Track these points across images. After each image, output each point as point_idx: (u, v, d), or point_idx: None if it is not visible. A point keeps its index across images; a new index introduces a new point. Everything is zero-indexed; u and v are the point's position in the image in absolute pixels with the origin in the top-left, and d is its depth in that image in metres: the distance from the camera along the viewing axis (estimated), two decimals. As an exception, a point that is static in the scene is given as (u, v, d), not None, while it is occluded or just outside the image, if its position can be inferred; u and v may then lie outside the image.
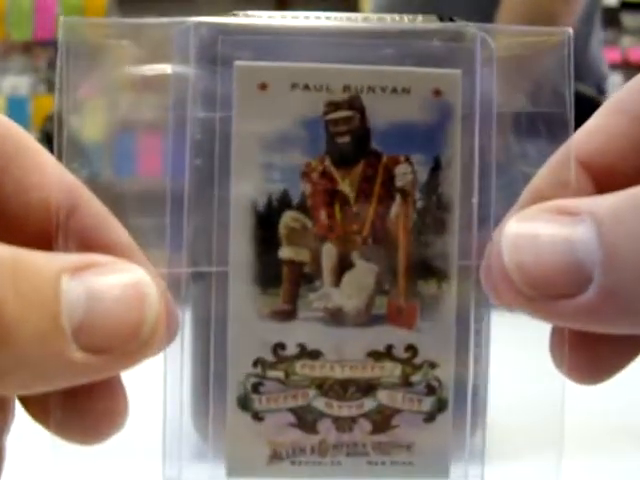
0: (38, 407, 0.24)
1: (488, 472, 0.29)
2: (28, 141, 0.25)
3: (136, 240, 0.26)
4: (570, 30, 0.27)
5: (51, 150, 0.26)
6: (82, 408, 0.23)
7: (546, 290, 0.21)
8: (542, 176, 0.26)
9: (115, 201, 0.26)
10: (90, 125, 0.28)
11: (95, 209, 0.25)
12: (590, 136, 0.26)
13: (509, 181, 0.28)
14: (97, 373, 0.20)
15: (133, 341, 0.20)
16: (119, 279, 0.20)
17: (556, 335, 0.25)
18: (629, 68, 2.84)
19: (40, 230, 0.24)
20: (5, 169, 0.23)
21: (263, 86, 0.28)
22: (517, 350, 0.29)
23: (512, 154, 0.29)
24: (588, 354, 0.24)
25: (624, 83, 0.27)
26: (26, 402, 0.24)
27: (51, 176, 0.24)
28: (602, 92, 1.06)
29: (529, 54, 0.28)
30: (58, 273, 0.20)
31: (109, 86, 0.28)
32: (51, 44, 2.55)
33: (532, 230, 0.22)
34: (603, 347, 0.24)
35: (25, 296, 0.19)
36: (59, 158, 0.26)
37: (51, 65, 2.68)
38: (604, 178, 0.25)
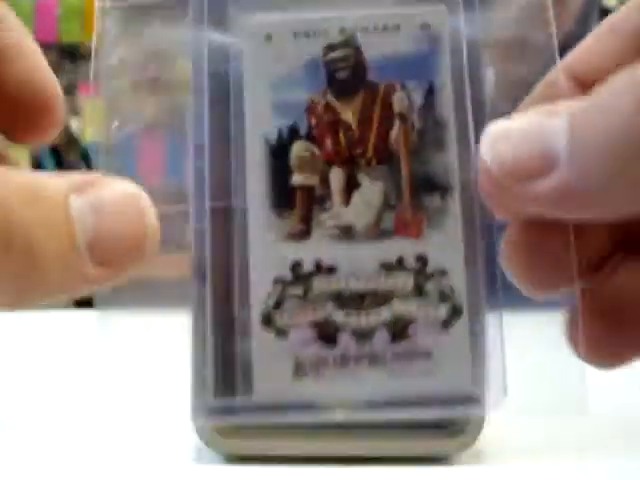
0: None
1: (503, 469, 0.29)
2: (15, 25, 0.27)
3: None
4: None
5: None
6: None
7: (518, 172, 0.22)
8: (532, 95, 0.28)
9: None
10: (90, 125, 0.31)
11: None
12: (583, 55, 0.27)
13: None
14: (107, 283, 0.22)
15: (137, 253, 0.22)
16: (119, 188, 0.22)
17: (570, 316, 0.25)
18: None
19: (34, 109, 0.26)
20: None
21: (268, 37, 0.31)
22: (536, 350, 0.29)
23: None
24: (604, 331, 0.24)
25: None
26: None
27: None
28: None
29: None
30: (66, 193, 0.21)
31: (110, 86, 0.31)
32: (52, 46, 2.66)
33: (508, 124, 0.23)
34: (619, 323, 0.24)
35: (45, 221, 0.21)
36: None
37: (51, 67, 2.75)
38: None
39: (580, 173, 0.21)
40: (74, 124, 2.49)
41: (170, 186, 0.31)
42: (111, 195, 0.22)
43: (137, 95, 0.31)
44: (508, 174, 0.22)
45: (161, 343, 0.29)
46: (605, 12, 1.17)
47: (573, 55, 0.27)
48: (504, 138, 0.23)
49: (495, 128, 0.23)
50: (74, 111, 2.80)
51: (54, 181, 0.22)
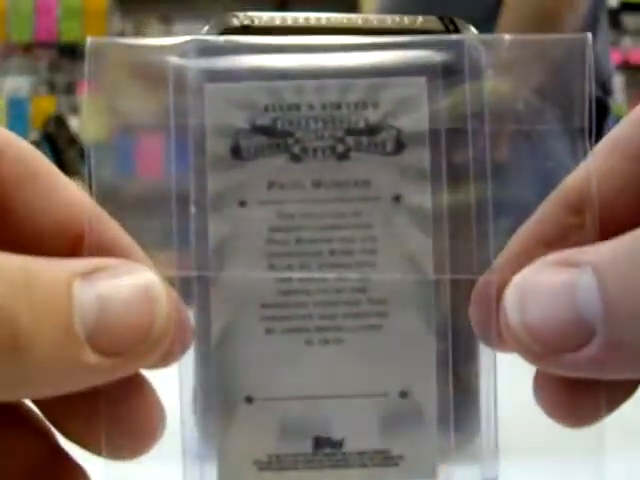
0: (80, 434, 0.24)
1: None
2: (40, 162, 0.24)
3: (137, 242, 0.25)
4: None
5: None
6: (126, 421, 0.23)
7: (551, 346, 0.21)
8: (539, 221, 0.25)
9: (115, 202, 0.26)
10: (90, 125, 0.28)
11: (112, 224, 0.25)
12: (580, 179, 0.24)
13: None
14: (111, 375, 0.21)
15: (144, 342, 0.21)
16: (128, 281, 0.21)
17: (538, 378, 0.24)
18: (630, 69, 2.80)
19: (54, 252, 0.23)
20: (17, 192, 0.24)
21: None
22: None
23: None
24: (569, 398, 0.24)
25: (625, 84, 0.25)
26: (67, 431, 0.24)
27: (65, 197, 0.24)
28: (607, 92, 1.02)
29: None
30: (69, 279, 0.20)
31: (110, 86, 0.28)
32: (51, 45, 2.58)
33: (535, 286, 0.22)
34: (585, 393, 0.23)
35: (38, 306, 0.20)
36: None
37: (51, 66, 2.70)
38: (603, 218, 0.24)
39: (618, 347, 0.21)
40: (74, 123, 2.36)
41: (169, 186, 0.29)
42: (118, 286, 0.21)
43: (137, 94, 0.28)
44: (539, 345, 0.22)
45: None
46: (607, 12, 1.10)
47: (572, 178, 0.24)
48: (534, 303, 0.22)
49: (522, 282, 0.22)
50: (74, 110, 2.61)
51: (56, 265, 0.21)
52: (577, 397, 0.24)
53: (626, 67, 2.78)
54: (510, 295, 0.22)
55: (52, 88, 2.73)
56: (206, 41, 0.25)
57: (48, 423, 0.24)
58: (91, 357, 0.20)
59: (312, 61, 0.25)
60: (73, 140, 2.12)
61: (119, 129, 0.29)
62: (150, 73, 0.25)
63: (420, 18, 0.29)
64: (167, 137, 0.25)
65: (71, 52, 2.61)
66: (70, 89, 2.62)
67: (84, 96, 0.25)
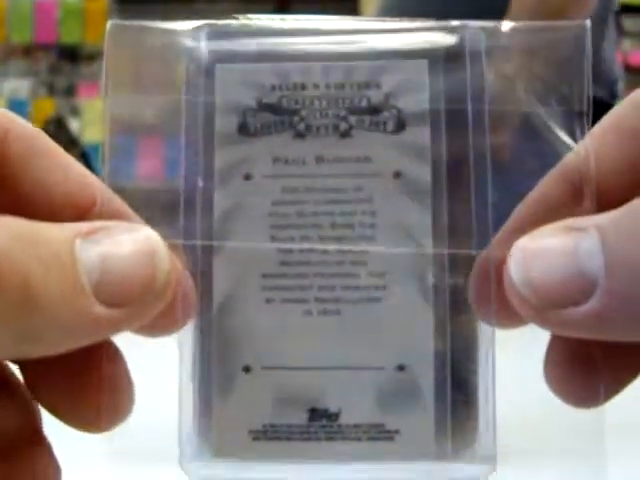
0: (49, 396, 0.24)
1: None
2: (46, 141, 0.25)
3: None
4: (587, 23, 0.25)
5: None
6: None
7: (553, 300, 0.22)
8: (538, 199, 0.25)
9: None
10: (90, 126, 0.28)
11: (118, 199, 0.25)
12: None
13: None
14: (119, 326, 0.22)
15: (148, 293, 0.22)
16: (129, 237, 0.22)
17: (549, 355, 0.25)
18: (629, 72, 2.82)
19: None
20: (25, 168, 0.24)
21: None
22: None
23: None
24: (577, 376, 0.24)
25: (624, 86, 0.26)
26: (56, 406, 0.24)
27: (73, 172, 0.25)
28: (614, 95, 1.04)
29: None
30: (72, 237, 0.21)
31: (110, 87, 0.29)
32: (51, 47, 2.59)
33: (539, 243, 0.22)
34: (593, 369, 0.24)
35: (46, 262, 0.20)
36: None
37: (51, 68, 2.71)
38: (600, 196, 0.24)
39: (619, 300, 0.21)
40: (74, 125, 2.41)
41: (169, 187, 0.29)
42: (120, 240, 0.22)
43: (137, 95, 0.29)
44: (541, 300, 0.22)
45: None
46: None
47: (572, 156, 0.25)
48: (538, 261, 0.22)
49: (527, 243, 0.22)
50: (74, 112, 2.65)
51: (59, 226, 0.22)
52: (585, 376, 0.24)
53: (626, 70, 2.77)
54: (514, 255, 0.22)
55: (52, 90, 2.73)
56: (218, 25, 0.26)
57: (36, 404, 0.24)
58: (98, 308, 0.21)
59: (318, 44, 0.26)
60: (73, 142, 2.15)
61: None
62: (165, 54, 0.26)
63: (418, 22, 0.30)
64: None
65: (71, 54, 2.62)
66: (70, 91, 2.62)
67: (103, 71, 0.26)
